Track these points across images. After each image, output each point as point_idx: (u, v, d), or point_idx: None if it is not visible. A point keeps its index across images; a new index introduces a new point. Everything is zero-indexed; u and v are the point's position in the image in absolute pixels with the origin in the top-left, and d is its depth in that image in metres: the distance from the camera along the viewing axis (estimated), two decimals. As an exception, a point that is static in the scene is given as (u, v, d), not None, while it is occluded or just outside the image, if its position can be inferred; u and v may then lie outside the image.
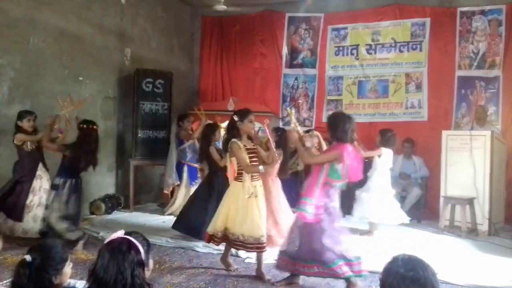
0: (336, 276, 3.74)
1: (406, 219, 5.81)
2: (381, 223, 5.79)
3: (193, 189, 6.74)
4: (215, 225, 4.19)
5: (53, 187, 5.00)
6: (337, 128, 3.77)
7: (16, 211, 5.06)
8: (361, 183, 5.90)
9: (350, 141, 3.77)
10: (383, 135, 5.87)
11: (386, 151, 5.76)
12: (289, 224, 5.31)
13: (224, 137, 4.41)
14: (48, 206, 4.99)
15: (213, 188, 5.42)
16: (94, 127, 5.06)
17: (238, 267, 4.32)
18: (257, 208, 4.11)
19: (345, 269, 3.69)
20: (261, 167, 4.07)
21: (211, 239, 4.24)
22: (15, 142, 5.09)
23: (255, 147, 4.29)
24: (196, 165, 6.85)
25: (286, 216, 5.37)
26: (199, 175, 6.91)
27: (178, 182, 7.02)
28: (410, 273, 1.67)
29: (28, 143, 5.13)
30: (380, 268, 4.14)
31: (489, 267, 4.59)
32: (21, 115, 5.16)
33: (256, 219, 4.07)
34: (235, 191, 4.16)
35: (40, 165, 5.22)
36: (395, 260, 1.76)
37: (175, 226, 5.49)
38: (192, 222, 5.33)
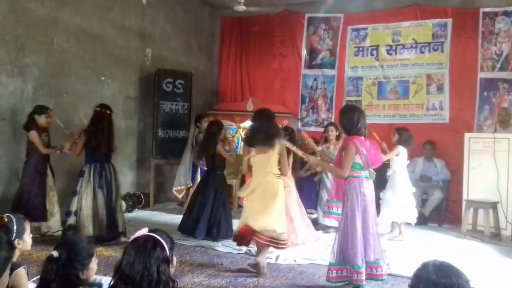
0: (360, 281, 3.60)
1: (413, 220, 5.81)
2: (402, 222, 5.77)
3: None
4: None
5: (80, 173, 5.05)
6: (346, 119, 3.77)
7: (39, 212, 5.14)
8: (383, 184, 5.88)
9: (359, 133, 3.73)
10: (402, 134, 5.85)
11: (402, 149, 5.75)
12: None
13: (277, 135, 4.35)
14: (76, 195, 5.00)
15: (211, 186, 5.53)
16: (107, 111, 5.13)
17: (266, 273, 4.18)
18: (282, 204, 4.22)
19: (378, 271, 3.63)
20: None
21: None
22: (29, 138, 5.14)
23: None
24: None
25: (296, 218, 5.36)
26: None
27: (191, 184, 7.03)
28: (442, 280, 1.61)
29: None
30: (401, 271, 4.12)
31: (513, 272, 4.51)
32: (39, 110, 5.21)
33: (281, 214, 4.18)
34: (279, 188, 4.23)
35: (48, 166, 5.33)
36: (426, 266, 1.69)
37: (179, 228, 5.57)
38: (190, 221, 5.48)
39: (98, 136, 4.98)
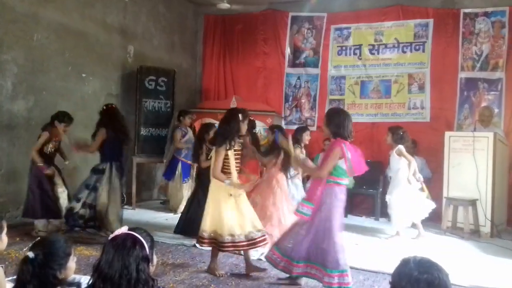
0: (330, 284, 3.54)
1: (427, 213, 5.78)
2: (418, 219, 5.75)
3: (185, 185, 6.82)
4: (203, 225, 4.12)
5: (98, 171, 5.17)
6: (335, 123, 3.71)
7: (56, 210, 5.26)
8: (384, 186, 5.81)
9: (348, 137, 3.69)
10: (395, 132, 5.68)
11: (401, 148, 5.61)
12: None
13: (217, 131, 4.34)
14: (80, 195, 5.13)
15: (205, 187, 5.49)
16: (113, 105, 5.37)
17: (224, 273, 4.13)
18: (240, 206, 4.07)
19: (346, 280, 3.56)
20: (227, 181, 3.99)
21: (198, 240, 4.21)
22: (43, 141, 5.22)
23: (241, 148, 4.24)
24: (189, 162, 6.83)
25: (291, 216, 5.35)
26: (192, 172, 6.89)
27: (166, 181, 7.13)
28: (424, 276, 1.63)
29: (49, 145, 5.24)
30: (383, 268, 4.16)
31: (491, 268, 4.59)
32: (63, 118, 5.29)
33: (242, 216, 4.05)
34: (215, 189, 4.11)
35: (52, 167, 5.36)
36: (406, 262, 1.71)
37: (177, 230, 5.57)
38: (191, 223, 5.38)
39: (120, 129, 5.23)
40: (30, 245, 2.20)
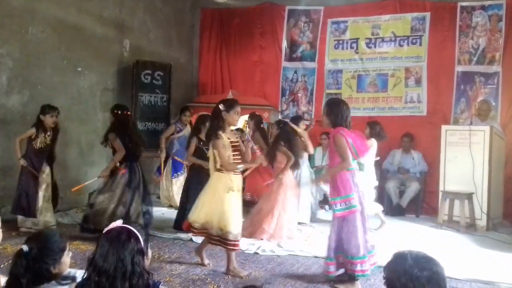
0: (353, 271, 3.59)
1: (380, 208, 5.83)
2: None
3: (174, 180, 6.78)
4: (195, 214, 4.00)
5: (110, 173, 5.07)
6: (335, 113, 3.78)
7: (31, 208, 5.11)
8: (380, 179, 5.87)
9: (346, 125, 3.75)
10: (373, 128, 5.85)
11: (374, 142, 5.71)
12: (289, 221, 5.33)
13: (208, 126, 4.31)
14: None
15: (201, 180, 5.42)
16: (128, 112, 5.17)
17: (210, 263, 4.20)
18: (235, 203, 3.94)
19: (366, 266, 3.60)
20: (240, 166, 3.92)
21: (190, 228, 4.09)
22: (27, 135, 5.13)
23: (238, 140, 4.08)
24: (180, 160, 6.76)
25: (289, 213, 5.35)
26: (184, 167, 6.79)
27: (157, 176, 7.09)
28: (424, 273, 1.63)
29: (38, 141, 5.11)
30: (379, 261, 4.16)
31: (487, 261, 4.60)
32: (44, 110, 5.15)
33: (235, 215, 3.91)
34: (215, 182, 3.98)
35: (45, 163, 5.24)
36: (403, 258, 1.69)
37: (176, 226, 5.41)
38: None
39: (130, 139, 5.02)
40: (25, 239, 2.20)
